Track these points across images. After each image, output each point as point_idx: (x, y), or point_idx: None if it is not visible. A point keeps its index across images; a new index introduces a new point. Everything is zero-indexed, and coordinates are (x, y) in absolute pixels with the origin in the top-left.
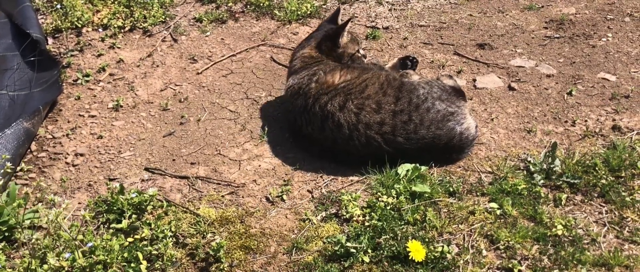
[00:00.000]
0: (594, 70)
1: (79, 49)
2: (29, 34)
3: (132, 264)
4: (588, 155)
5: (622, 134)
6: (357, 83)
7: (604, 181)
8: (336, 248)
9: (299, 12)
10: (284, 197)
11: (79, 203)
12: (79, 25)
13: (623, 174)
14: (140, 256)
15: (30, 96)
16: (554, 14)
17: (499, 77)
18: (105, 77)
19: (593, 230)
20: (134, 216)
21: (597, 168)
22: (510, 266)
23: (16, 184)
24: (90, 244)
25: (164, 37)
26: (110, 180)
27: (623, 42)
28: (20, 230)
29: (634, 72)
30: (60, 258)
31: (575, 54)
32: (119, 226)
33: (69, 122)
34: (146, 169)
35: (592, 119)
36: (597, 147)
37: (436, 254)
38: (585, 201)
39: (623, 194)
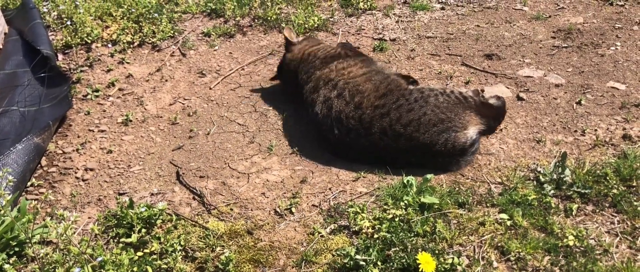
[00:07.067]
0: (603, 80)
1: (88, 64)
2: (40, 50)
3: None
4: (598, 164)
5: (633, 143)
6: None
7: (615, 191)
8: (346, 261)
9: (306, 25)
10: (293, 210)
11: (89, 217)
12: (89, 41)
13: (634, 184)
14: (150, 270)
15: (41, 112)
16: (562, 23)
17: (507, 88)
18: (115, 92)
19: (605, 240)
20: (143, 230)
21: (608, 178)
22: None
23: (27, 199)
24: (100, 259)
25: (173, 52)
26: (120, 194)
27: (632, 51)
28: (30, 245)
29: None
30: None
31: (584, 63)
32: (129, 240)
33: (78, 137)
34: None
35: (602, 128)
36: (608, 157)
37: (446, 266)
38: (597, 211)
39: (635, 203)
